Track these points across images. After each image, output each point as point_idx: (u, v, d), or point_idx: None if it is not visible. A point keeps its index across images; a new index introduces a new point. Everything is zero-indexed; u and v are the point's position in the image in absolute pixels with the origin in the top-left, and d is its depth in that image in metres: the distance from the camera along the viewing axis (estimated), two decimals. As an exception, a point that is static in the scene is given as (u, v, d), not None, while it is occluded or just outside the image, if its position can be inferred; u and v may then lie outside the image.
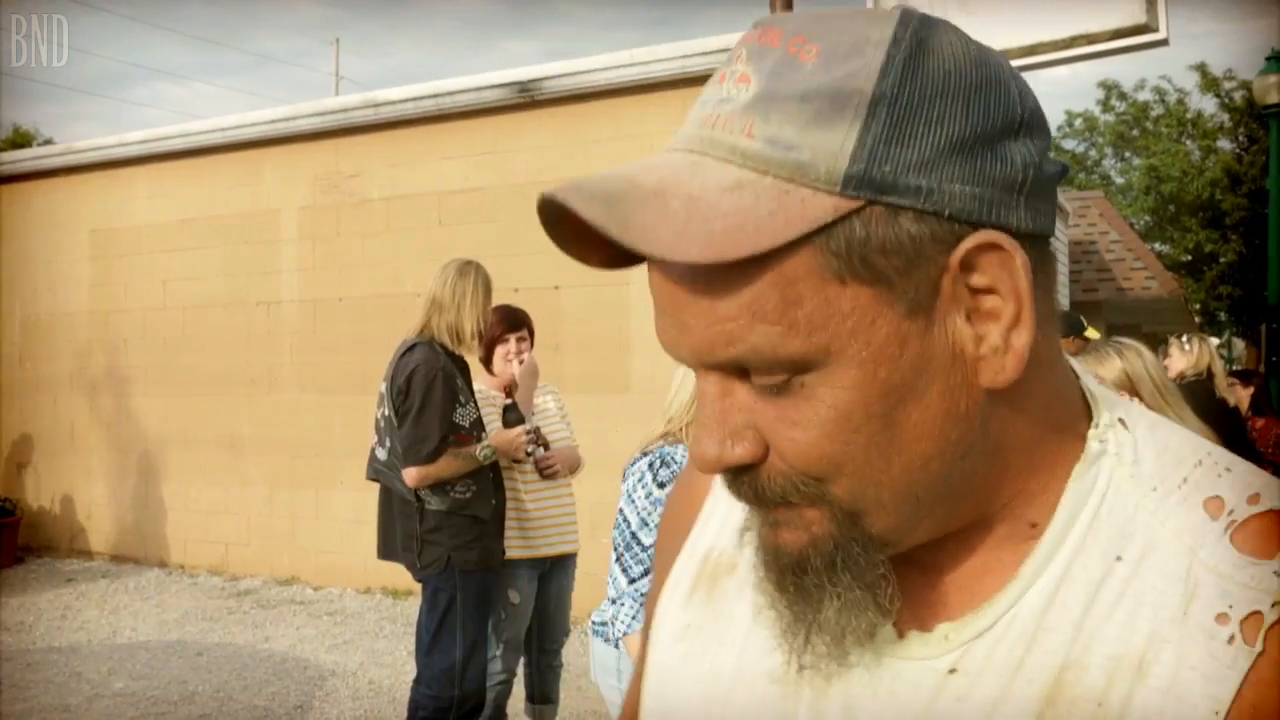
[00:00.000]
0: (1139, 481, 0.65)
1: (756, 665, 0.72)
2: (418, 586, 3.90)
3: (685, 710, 0.76)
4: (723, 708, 0.74)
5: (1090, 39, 5.09)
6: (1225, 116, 28.16)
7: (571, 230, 0.64)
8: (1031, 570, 0.65)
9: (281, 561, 8.19)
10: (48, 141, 23.82)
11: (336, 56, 32.92)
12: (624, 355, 6.81)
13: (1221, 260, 26.92)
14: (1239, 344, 36.00)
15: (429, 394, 3.66)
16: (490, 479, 3.83)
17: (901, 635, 0.67)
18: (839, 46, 0.59)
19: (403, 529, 3.78)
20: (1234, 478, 0.65)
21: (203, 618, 7.07)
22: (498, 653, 4.07)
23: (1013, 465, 0.65)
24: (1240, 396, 7.00)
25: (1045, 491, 0.66)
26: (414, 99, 7.46)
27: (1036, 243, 0.63)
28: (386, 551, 3.89)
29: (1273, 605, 0.59)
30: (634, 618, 2.51)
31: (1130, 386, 2.96)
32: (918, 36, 0.59)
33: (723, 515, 0.81)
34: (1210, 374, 5.89)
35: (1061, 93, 60.12)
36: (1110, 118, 30.55)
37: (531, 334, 4.26)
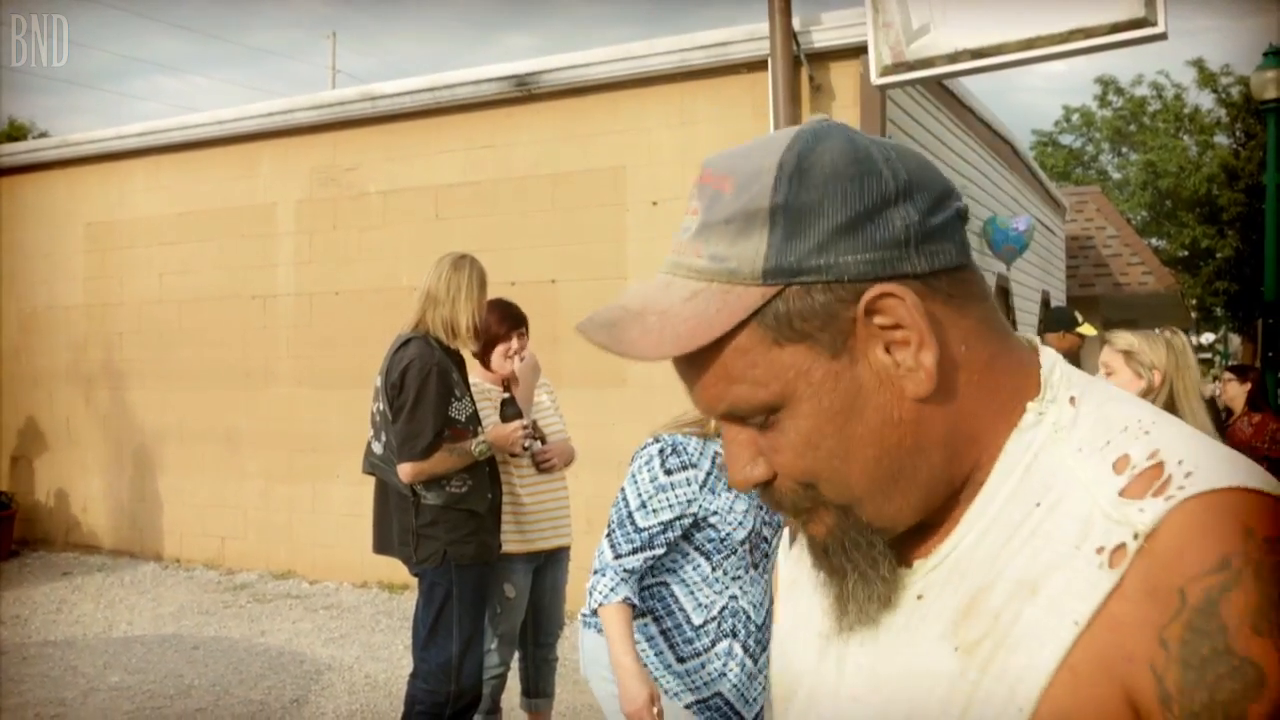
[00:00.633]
0: (1068, 444, 0.81)
1: (814, 625, 0.93)
2: (414, 580, 3.89)
3: (775, 654, 1.02)
4: (788, 655, 0.98)
5: (1089, 33, 5.07)
6: (1222, 112, 28.16)
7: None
8: (970, 517, 0.84)
9: (278, 555, 8.18)
10: (44, 134, 23.75)
11: (333, 50, 32.83)
12: (621, 349, 6.79)
13: (1218, 256, 26.94)
14: (1235, 339, 36.06)
15: (423, 389, 3.64)
16: (486, 473, 3.82)
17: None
18: (744, 177, 0.81)
19: (399, 523, 3.77)
20: (1149, 440, 0.78)
21: (199, 611, 7.06)
22: (493, 646, 4.07)
23: (962, 448, 0.83)
24: (1236, 392, 7.00)
25: (992, 458, 0.84)
26: (411, 92, 7.45)
27: (944, 275, 0.81)
28: (382, 546, 3.88)
29: (1134, 537, 0.73)
30: (612, 589, 2.48)
31: (1167, 374, 3.20)
32: (800, 155, 0.80)
33: None
34: None
35: (1059, 88, 60.10)
36: (1107, 113, 30.55)
37: (528, 330, 4.27)
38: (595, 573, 2.52)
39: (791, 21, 6.00)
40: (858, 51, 6.00)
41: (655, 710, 2.40)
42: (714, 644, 2.56)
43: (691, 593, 2.57)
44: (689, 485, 2.51)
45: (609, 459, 6.75)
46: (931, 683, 0.81)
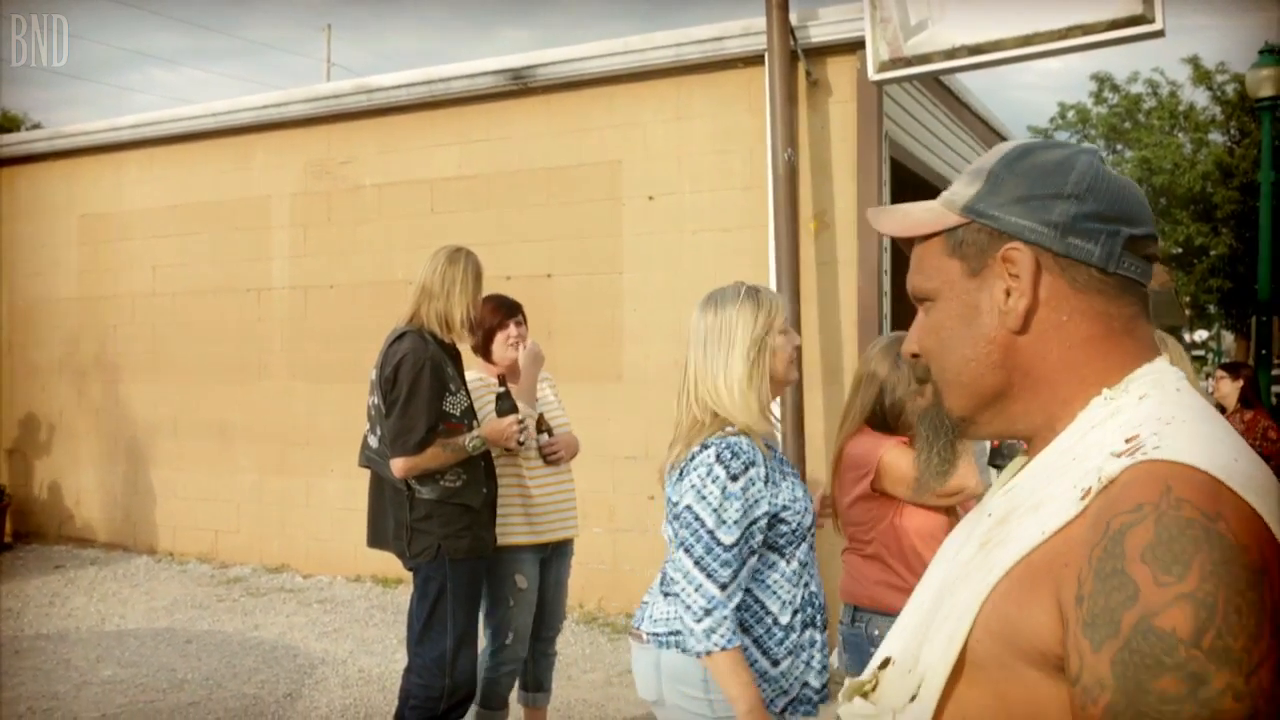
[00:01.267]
0: (1116, 423, 1.04)
1: (946, 548, 1.26)
2: (408, 574, 3.88)
3: None
4: (939, 551, 1.30)
5: (1086, 29, 5.07)
6: (1217, 110, 28.17)
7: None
8: (1034, 463, 1.11)
9: (271, 549, 8.17)
10: (37, 126, 23.66)
11: (328, 42, 32.73)
12: (616, 343, 6.79)
13: (1212, 253, 26.96)
14: (1228, 337, 36.12)
15: (416, 384, 3.63)
16: (481, 468, 3.81)
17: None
18: (997, 150, 1.17)
19: (393, 517, 3.76)
20: (1164, 428, 0.99)
21: (192, 605, 7.04)
22: (507, 641, 4.05)
23: (1027, 390, 1.12)
24: (1229, 390, 7.02)
25: (1068, 421, 1.10)
26: (407, 85, 7.42)
27: (1082, 267, 1.08)
28: (376, 540, 3.87)
29: (1099, 481, 0.96)
30: (733, 632, 2.36)
31: None
32: (1026, 147, 1.14)
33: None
34: None
35: (1054, 85, 60.13)
36: (1103, 110, 30.53)
37: (525, 318, 4.27)
38: (702, 612, 2.36)
39: (788, 16, 5.98)
40: (855, 47, 5.99)
41: None
42: (801, 635, 2.53)
43: (775, 594, 2.50)
44: (755, 484, 2.44)
45: (604, 453, 6.75)
46: (959, 567, 1.11)
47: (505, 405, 3.98)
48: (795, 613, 2.52)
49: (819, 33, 6.13)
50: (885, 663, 1.17)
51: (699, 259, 6.51)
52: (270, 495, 8.19)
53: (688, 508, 2.43)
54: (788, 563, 2.52)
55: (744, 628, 2.47)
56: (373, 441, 3.82)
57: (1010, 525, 1.05)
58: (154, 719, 4.97)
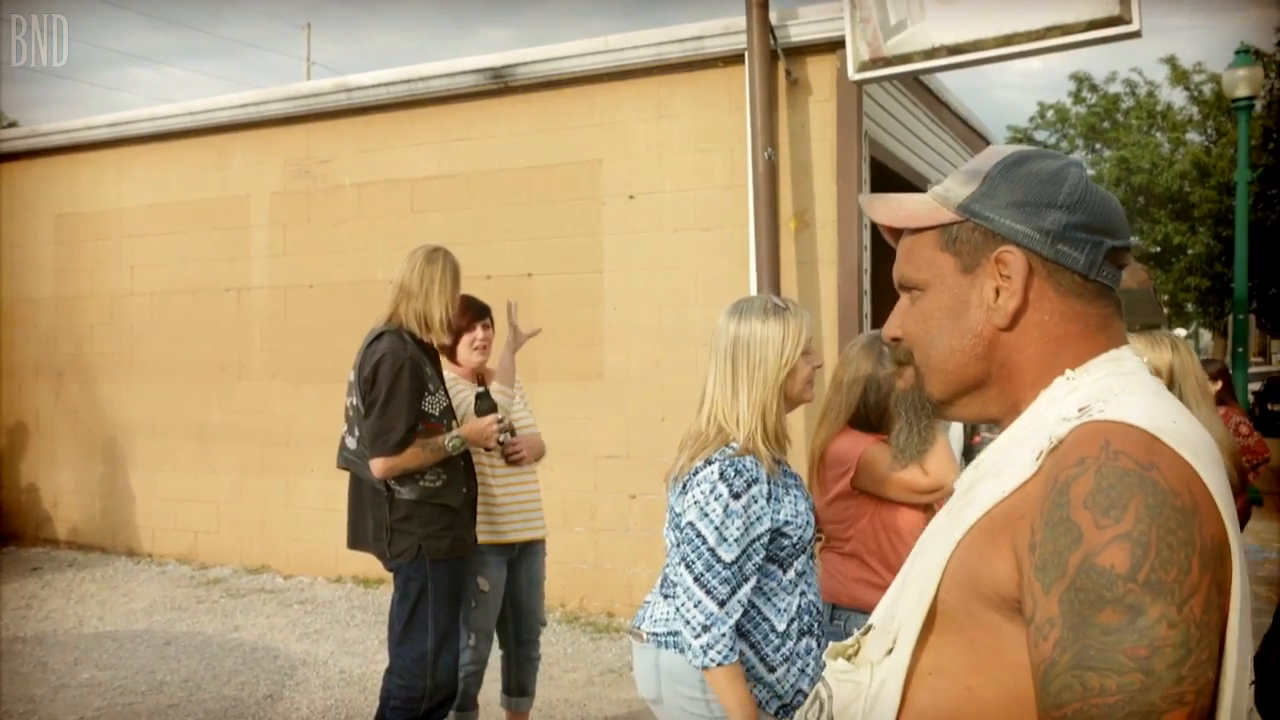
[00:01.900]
0: (1072, 400, 1.12)
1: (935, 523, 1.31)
2: (389, 575, 3.87)
3: None
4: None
5: (1064, 30, 5.10)
6: (1194, 109, 28.38)
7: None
8: (1001, 437, 1.20)
9: (251, 550, 8.13)
10: (12, 124, 23.44)
11: (308, 41, 32.60)
12: (597, 343, 6.79)
13: (1190, 252, 27.17)
14: (1206, 334, 36.39)
15: (395, 384, 3.61)
16: (461, 468, 3.80)
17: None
18: (990, 152, 1.24)
19: (373, 518, 3.74)
20: (1112, 398, 1.08)
21: (171, 607, 7.00)
22: (470, 642, 4.05)
23: (1004, 379, 1.20)
24: (1211, 389, 7.05)
25: (1033, 400, 1.18)
26: (386, 84, 7.39)
27: (1067, 272, 1.17)
28: (356, 540, 3.85)
29: (1050, 442, 1.06)
30: (730, 649, 2.38)
31: (1171, 377, 3.16)
32: (1022, 154, 1.22)
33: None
34: None
35: (1034, 84, 60.43)
36: (1082, 109, 30.69)
37: (493, 321, 4.27)
38: (700, 628, 2.39)
39: (768, 15, 5.99)
40: (835, 46, 6.00)
41: None
42: (797, 644, 2.54)
43: (772, 601, 2.52)
44: (758, 502, 2.45)
45: (584, 453, 6.74)
46: (930, 535, 1.21)
47: (484, 405, 3.97)
48: (792, 621, 2.54)
49: (799, 32, 6.15)
50: (867, 629, 1.26)
51: (680, 258, 6.52)
52: (250, 496, 8.15)
53: (690, 524, 2.44)
54: (786, 573, 2.54)
55: (742, 633, 2.49)
56: (350, 443, 3.81)
57: (975, 491, 1.15)
58: (132, 722, 4.94)
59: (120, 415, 8.78)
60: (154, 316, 8.61)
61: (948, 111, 8.68)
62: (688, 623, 2.42)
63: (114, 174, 8.81)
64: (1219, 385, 7.06)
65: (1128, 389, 1.11)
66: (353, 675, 5.53)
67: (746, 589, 2.44)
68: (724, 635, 2.39)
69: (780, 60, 6.15)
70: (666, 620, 2.56)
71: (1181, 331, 37.00)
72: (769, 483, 2.49)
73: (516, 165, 7.06)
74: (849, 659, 1.24)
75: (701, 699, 2.48)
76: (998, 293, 1.17)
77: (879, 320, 6.52)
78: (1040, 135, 32.15)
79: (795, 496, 2.56)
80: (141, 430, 8.67)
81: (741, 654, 2.47)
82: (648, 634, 2.60)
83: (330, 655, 5.88)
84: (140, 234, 8.67)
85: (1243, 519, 4.72)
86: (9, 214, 9.36)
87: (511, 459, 4.15)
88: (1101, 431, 1.03)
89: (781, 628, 2.52)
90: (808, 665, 2.55)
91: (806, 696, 2.52)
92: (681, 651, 2.50)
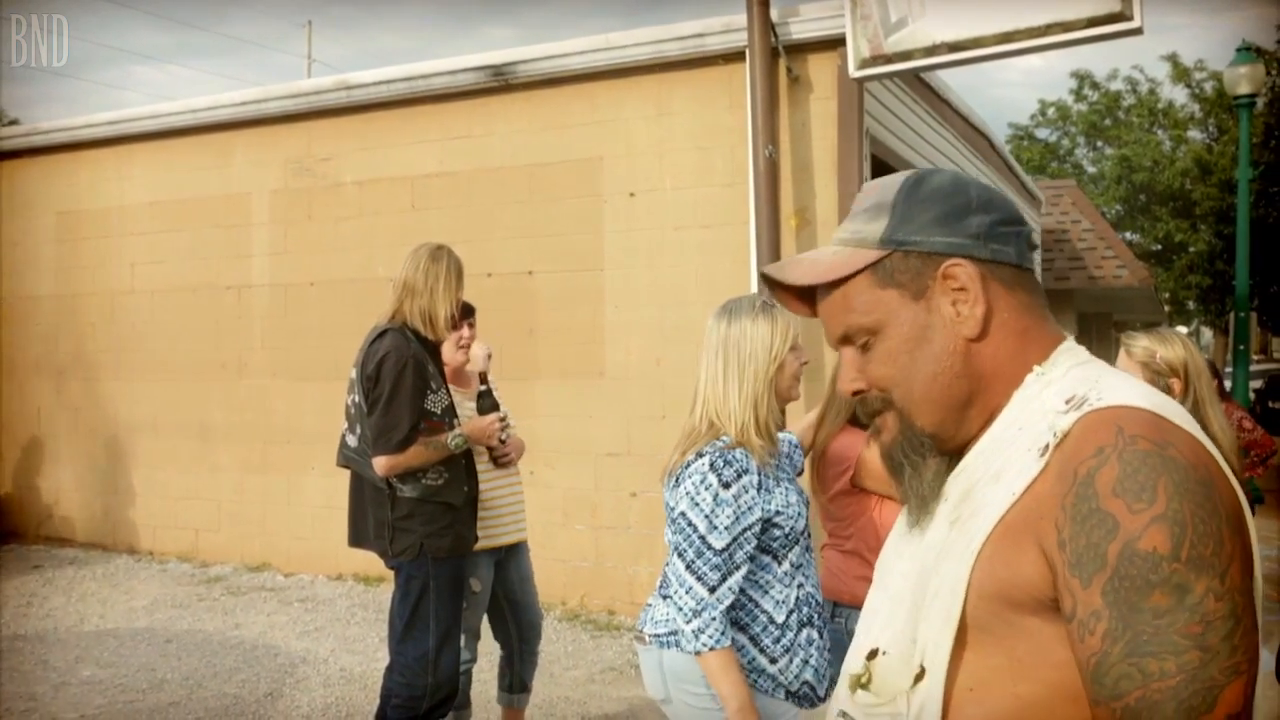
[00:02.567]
0: (1050, 391, 1.14)
1: (899, 528, 1.30)
2: (390, 573, 3.87)
3: (880, 557, 1.36)
4: (885, 552, 1.34)
5: (1066, 27, 5.09)
6: (1196, 107, 28.36)
7: (780, 289, 1.30)
8: (982, 439, 1.18)
9: (252, 548, 8.13)
10: (13, 122, 23.43)
11: (309, 39, 32.61)
12: (598, 341, 6.78)
13: (1191, 250, 27.15)
14: (1207, 332, 36.34)
15: (399, 382, 3.61)
16: (463, 465, 3.80)
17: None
18: (882, 185, 1.24)
19: (374, 516, 3.74)
20: (1095, 387, 1.10)
21: (172, 605, 7.00)
22: (460, 642, 4.06)
23: (989, 385, 1.18)
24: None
25: (1007, 401, 1.18)
26: (387, 82, 7.39)
27: (1004, 267, 1.19)
28: (357, 539, 3.85)
29: (1055, 436, 1.06)
30: (722, 632, 2.41)
31: (1186, 374, 3.10)
32: (919, 176, 1.22)
33: None
34: None
35: (1035, 82, 60.33)
36: (1083, 107, 30.68)
37: (475, 320, 4.29)
38: (691, 613, 2.43)
39: (769, 13, 5.98)
40: (836, 44, 5.99)
41: None
42: (797, 635, 2.56)
43: (769, 594, 2.55)
44: (748, 492, 2.48)
45: (586, 450, 6.74)
46: (933, 550, 1.17)
47: (487, 403, 3.98)
48: (790, 612, 2.56)
49: (800, 29, 6.14)
50: (873, 654, 1.22)
51: (680, 256, 6.51)
52: (251, 494, 8.15)
53: (681, 514, 2.49)
54: (780, 564, 2.57)
55: (740, 626, 2.53)
56: (351, 440, 3.80)
57: (975, 498, 1.13)
58: (133, 719, 4.95)
59: (121, 413, 8.78)
60: (155, 314, 8.61)
61: (949, 109, 8.67)
62: (680, 609, 2.45)
63: (115, 172, 8.80)
64: (1218, 384, 7.07)
65: (1106, 375, 1.13)
66: (353, 673, 5.53)
67: (738, 576, 2.47)
68: (715, 619, 2.42)
69: (781, 58, 6.14)
70: (667, 621, 2.59)
71: (1183, 329, 36.97)
72: (759, 474, 2.53)
73: (517, 163, 7.05)
74: (865, 687, 1.21)
75: (707, 694, 2.51)
76: (955, 306, 1.17)
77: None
78: (1042, 133, 32.15)
79: (787, 489, 2.60)
80: (142, 428, 8.67)
81: (742, 647, 2.50)
82: (650, 636, 2.63)
83: (331, 653, 5.88)
84: (141, 232, 8.66)
85: None
86: (9, 212, 9.36)
87: (500, 462, 4.16)
88: (1111, 418, 1.04)
89: (780, 619, 2.55)
90: (810, 656, 2.58)
91: (810, 685, 2.55)
92: (683, 651, 2.53)
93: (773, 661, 2.53)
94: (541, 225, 6.96)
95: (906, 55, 5.55)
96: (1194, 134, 28.59)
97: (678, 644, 2.54)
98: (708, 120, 6.46)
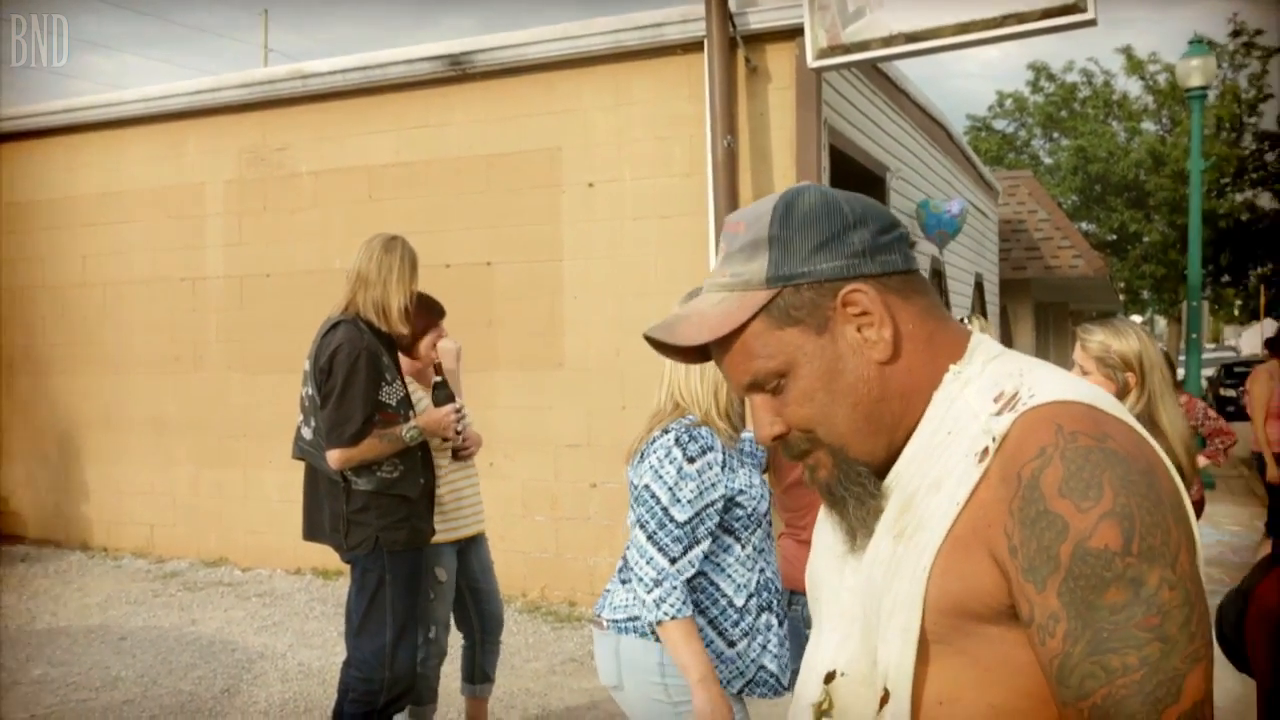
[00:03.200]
0: (972, 390, 1.13)
1: (835, 549, 1.24)
2: (348, 567, 3.83)
3: (808, 573, 1.35)
4: (816, 571, 1.31)
5: (1021, 18, 5.13)
6: (1150, 99, 28.73)
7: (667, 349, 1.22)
8: (909, 447, 1.15)
9: (209, 543, 8.04)
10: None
11: (265, 27, 32.17)
12: (557, 332, 6.76)
13: (1145, 240, 27.53)
14: (1161, 321, 36.89)
15: (352, 374, 3.57)
16: (418, 458, 3.77)
17: None
18: (751, 220, 1.18)
19: (329, 509, 3.70)
20: (1020, 380, 1.10)
21: (127, 601, 6.91)
22: (430, 635, 4.03)
23: (912, 397, 1.15)
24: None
25: (926, 405, 1.16)
26: (343, 71, 7.31)
27: (895, 276, 1.15)
28: (312, 532, 3.81)
29: (993, 440, 1.05)
30: (683, 602, 2.42)
31: (1141, 367, 3.04)
32: (787, 203, 1.16)
33: None
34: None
35: (992, 74, 60.92)
36: (1039, 98, 30.98)
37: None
38: (652, 583, 2.43)
39: (727, 3, 5.98)
40: (794, 34, 6.00)
41: None
42: (756, 619, 2.57)
43: (729, 576, 2.56)
44: (712, 469, 2.50)
45: (545, 441, 6.72)
46: (880, 565, 1.13)
47: (442, 395, 3.94)
48: (750, 596, 2.58)
49: (758, 19, 6.14)
50: (830, 676, 1.20)
51: (639, 246, 6.50)
52: (207, 488, 8.06)
53: (645, 487, 2.51)
54: (742, 547, 2.58)
55: (699, 609, 2.54)
56: (306, 433, 3.76)
57: (916, 509, 1.11)
58: (86, 718, 4.87)
59: (73, 407, 8.64)
60: (107, 307, 8.47)
61: (907, 100, 8.71)
62: (641, 580, 2.47)
63: (65, 161, 8.65)
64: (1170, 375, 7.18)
65: (1029, 368, 1.13)
66: (311, 668, 5.48)
67: (699, 550, 2.49)
68: (675, 589, 2.44)
69: (739, 48, 6.14)
70: (626, 606, 2.59)
71: (1138, 318, 37.51)
72: (724, 453, 2.55)
73: (475, 153, 7.00)
74: (828, 714, 1.19)
75: (660, 683, 2.51)
76: (860, 330, 1.13)
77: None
78: (999, 124, 32.42)
79: (750, 470, 2.62)
80: (95, 423, 8.54)
81: (700, 630, 2.51)
82: (607, 621, 2.62)
83: (289, 648, 5.83)
84: (93, 223, 8.52)
85: (1198, 509, 4.78)
86: (-44, 203, 9.17)
87: (460, 454, 4.14)
88: (1049, 416, 1.03)
89: (740, 603, 2.56)
90: (769, 641, 2.59)
91: (768, 671, 2.55)
92: (641, 636, 2.53)
93: (731, 645, 2.54)
94: (499, 216, 6.92)
95: (864, 45, 5.57)
96: (1148, 126, 28.97)
97: (636, 629, 2.54)
98: (666, 110, 6.45)
